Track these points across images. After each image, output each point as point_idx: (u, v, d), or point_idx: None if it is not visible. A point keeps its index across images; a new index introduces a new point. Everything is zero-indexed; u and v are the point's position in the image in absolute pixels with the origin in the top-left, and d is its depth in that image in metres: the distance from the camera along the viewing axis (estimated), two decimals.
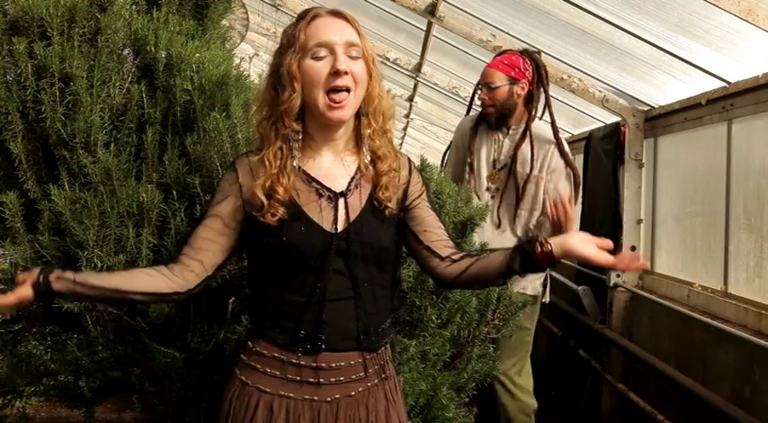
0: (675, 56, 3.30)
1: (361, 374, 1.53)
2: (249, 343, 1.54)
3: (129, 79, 2.06)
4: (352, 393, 1.52)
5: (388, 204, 1.53)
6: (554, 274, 5.11)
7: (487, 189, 3.07)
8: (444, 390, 2.07)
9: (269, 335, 1.51)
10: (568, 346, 4.63)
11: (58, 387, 2.09)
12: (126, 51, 2.09)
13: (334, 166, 1.53)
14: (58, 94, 1.95)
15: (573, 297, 4.59)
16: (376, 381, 1.55)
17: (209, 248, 1.52)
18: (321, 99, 1.44)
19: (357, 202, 1.52)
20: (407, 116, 8.48)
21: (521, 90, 2.99)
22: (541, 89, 3.03)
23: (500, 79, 2.98)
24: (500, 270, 1.54)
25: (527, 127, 2.99)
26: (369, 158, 1.53)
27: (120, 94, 2.04)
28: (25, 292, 1.45)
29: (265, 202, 1.46)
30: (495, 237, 2.99)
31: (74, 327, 1.99)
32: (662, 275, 3.91)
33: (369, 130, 1.52)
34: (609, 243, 1.49)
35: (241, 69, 2.35)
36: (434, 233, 1.60)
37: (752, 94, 3.01)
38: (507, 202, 3.03)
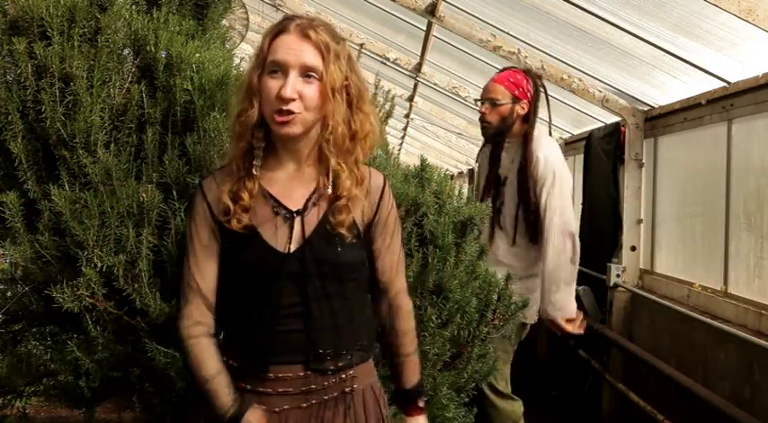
0: (675, 56, 3.30)
1: (313, 386, 1.49)
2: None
3: (129, 79, 2.06)
4: (303, 405, 1.49)
5: (340, 230, 1.48)
6: None
7: (498, 208, 3.07)
8: (444, 390, 2.07)
9: (227, 344, 1.53)
10: (568, 346, 4.63)
11: (58, 387, 2.09)
12: (126, 51, 2.09)
13: (293, 180, 1.51)
14: (58, 94, 1.95)
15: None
16: (335, 394, 1.51)
17: (209, 285, 1.52)
18: (270, 114, 1.44)
19: (314, 219, 1.49)
20: (407, 116, 8.48)
21: (521, 110, 3.01)
22: (538, 108, 3.05)
23: (504, 96, 3.00)
24: (396, 376, 1.67)
25: (527, 141, 2.99)
26: (330, 180, 1.50)
27: (120, 94, 2.03)
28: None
29: (231, 206, 1.46)
30: (508, 252, 3.02)
31: (74, 327, 1.99)
32: (662, 275, 3.91)
33: (327, 152, 1.48)
34: None
35: (241, 69, 2.34)
36: (383, 269, 1.60)
37: (752, 94, 3.01)
38: (510, 213, 3.03)
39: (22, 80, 1.97)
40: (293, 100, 1.40)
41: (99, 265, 1.86)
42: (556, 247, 2.89)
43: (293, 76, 1.41)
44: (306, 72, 1.42)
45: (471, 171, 9.58)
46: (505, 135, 3.06)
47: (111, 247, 1.88)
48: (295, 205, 1.49)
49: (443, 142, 8.84)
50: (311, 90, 1.42)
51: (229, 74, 2.10)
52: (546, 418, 3.25)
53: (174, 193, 1.90)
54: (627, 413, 3.88)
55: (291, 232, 1.48)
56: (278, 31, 1.45)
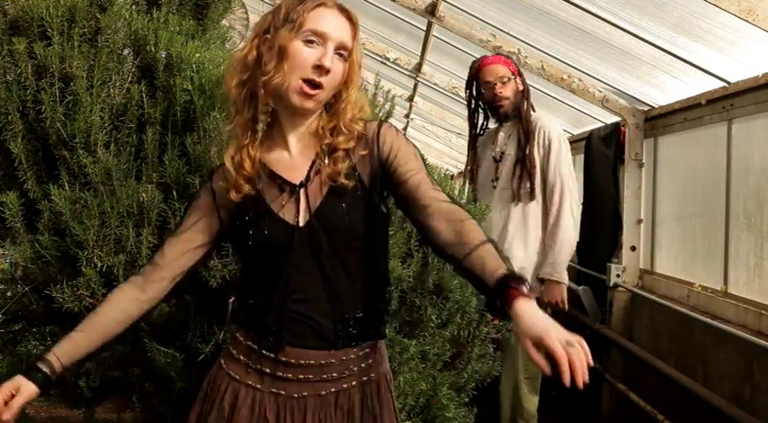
0: (675, 56, 3.30)
1: (334, 374, 1.47)
2: (233, 329, 1.57)
3: (129, 79, 2.06)
4: (323, 393, 1.47)
5: (339, 178, 1.45)
6: None
7: (493, 185, 3.18)
8: (444, 390, 2.07)
9: (244, 325, 1.53)
10: None
11: (58, 387, 2.09)
12: (126, 51, 2.09)
13: (295, 152, 1.50)
14: (58, 94, 1.95)
15: (573, 297, 4.58)
16: (354, 383, 1.49)
17: (172, 265, 1.52)
18: (294, 82, 1.42)
19: (317, 189, 1.47)
20: (407, 116, 8.48)
21: (521, 85, 3.21)
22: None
23: (508, 73, 3.18)
24: (479, 283, 1.34)
25: (525, 118, 3.14)
26: (326, 144, 1.48)
27: (120, 94, 2.04)
28: (28, 390, 1.44)
29: (233, 174, 1.45)
30: (509, 224, 3.11)
31: (73, 327, 1.99)
32: (662, 275, 3.91)
33: (332, 123, 1.47)
34: (559, 354, 1.21)
35: None
36: (426, 195, 1.44)
37: (752, 94, 3.01)
38: (508, 187, 3.14)
39: (22, 80, 1.97)
40: (328, 72, 1.41)
41: (99, 265, 1.86)
42: (567, 212, 3.04)
43: (331, 48, 1.42)
44: (339, 49, 1.43)
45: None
46: (520, 109, 3.18)
47: (111, 247, 1.88)
48: (298, 178, 1.49)
49: (443, 142, 8.83)
50: (340, 68, 1.44)
51: None
52: (546, 418, 3.24)
53: (174, 193, 1.91)
54: (627, 413, 3.87)
55: (298, 206, 1.47)
56: (317, 4, 1.44)
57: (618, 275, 4.06)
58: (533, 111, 3.22)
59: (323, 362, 1.47)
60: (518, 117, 3.16)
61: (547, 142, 3.09)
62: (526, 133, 3.11)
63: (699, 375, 3.15)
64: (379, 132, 1.51)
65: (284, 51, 1.41)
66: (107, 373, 1.96)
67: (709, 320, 3.10)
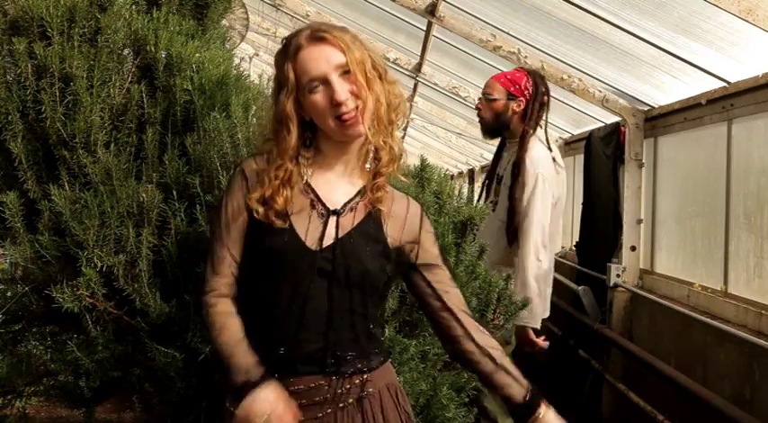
0: (675, 56, 3.30)
1: (327, 396, 1.47)
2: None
3: (129, 79, 2.06)
4: (320, 415, 1.46)
5: (379, 205, 1.51)
6: (554, 274, 5.10)
7: (491, 202, 3.05)
8: (444, 390, 2.07)
9: None
10: (568, 346, 4.63)
11: (58, 387, 2.09)
12: (126, 51, 2.09)
13: (339, 180, 1.52)
14: (58, 94, 1.95)
15: (573, 297, 4.59)
16: (350, 400, 1.49)
17: (237, 259, 1.51)
18: (332, 124, 1.45)
19: (349, 222, 1.49)
20: (407, 116, 8.48)
21: (517, 107, 2.99)
22: (536, 110, 3.00)
23: (498, 92, 3.01)
24: (503, 400, 1.66)
25: (522, 143, 2.95)
26: (369, 166, 1.53)
27: (120, 94, 2.03)
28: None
29: (261, 210, 1.46)
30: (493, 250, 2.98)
31: (74, 327, 1.99)
32: (662, 275, 3.91)
33: (373, 135, 1.49)
34: None
35: (241, 69, 2.34)
36: (453, 296, 1.59)
37: (752, 94, 3.01)
38: (499, 216, 2.99)
39: (22, 80, 1.97)
40: (347, 98, 1.43)
41: (99, 265, 1.86)
42: (531, 259, 2.86)
43: (335, 79, 1.44)
44: (341, 71, 1.44)
45: (471, 171, 9.59)
46: (502, 132, 3.09)
47: (111, 247, 1.88)
48: (333, 205, 1.50)
49: (443, 142, 8.84)
50: (353, 84, 1.45)
51: (229, 74, 2.10)
52: None
53: (174, 193, 1.90)
54: (627, 413, 3.88)
55: (324, 230, 1.47)
56: (294, 51, 1.46)
57: (618, 275, 4.06)
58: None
59: (321, 383, 1.46)
60: (519, 142, 2.97)
61: (524, 183, 2.87)
62: (521, 182, 2.89)
63: (699, 375, 3.15)
64: (422, 216, 1.60)
65: (287, 115, 1.46)
66: (107, 373, 1.96)
67: (709, 320, 3.11)
